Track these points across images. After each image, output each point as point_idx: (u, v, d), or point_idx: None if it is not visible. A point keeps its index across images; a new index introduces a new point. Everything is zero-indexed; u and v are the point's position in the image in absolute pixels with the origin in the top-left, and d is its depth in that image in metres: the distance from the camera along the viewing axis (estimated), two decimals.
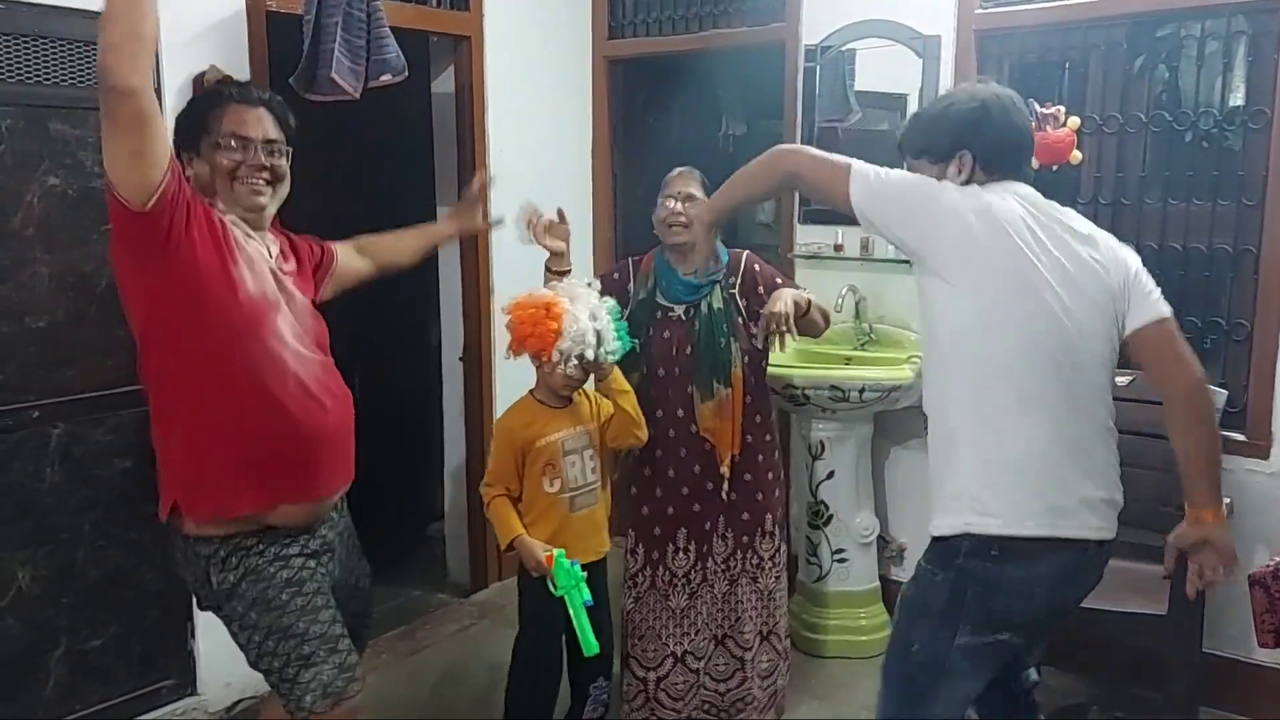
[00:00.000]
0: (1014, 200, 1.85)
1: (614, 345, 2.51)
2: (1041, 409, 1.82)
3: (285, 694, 1.96)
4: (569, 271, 2.69)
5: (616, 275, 2.87)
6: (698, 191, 2.69)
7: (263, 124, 2.00)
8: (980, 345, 1.83)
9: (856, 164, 1.92)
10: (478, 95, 3.64)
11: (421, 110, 3.77)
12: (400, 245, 2.50)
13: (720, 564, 2.79)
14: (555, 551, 2.38)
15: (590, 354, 2.45)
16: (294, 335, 1.97)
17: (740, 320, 2.73)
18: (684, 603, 2.78)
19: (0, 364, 2.54)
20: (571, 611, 2.32)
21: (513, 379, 3.64)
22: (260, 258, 1.97)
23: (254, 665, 2.02)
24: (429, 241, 2.61)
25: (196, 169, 1.97)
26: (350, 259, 2.35)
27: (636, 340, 2.68)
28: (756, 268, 2.77)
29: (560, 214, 2.72)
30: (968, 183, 1.89)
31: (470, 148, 3.65)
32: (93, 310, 2.68)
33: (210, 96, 2.07)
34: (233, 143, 1.96)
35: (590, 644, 2.30)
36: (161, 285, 1.85)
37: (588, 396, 2.67)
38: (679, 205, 2.68)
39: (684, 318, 2.73)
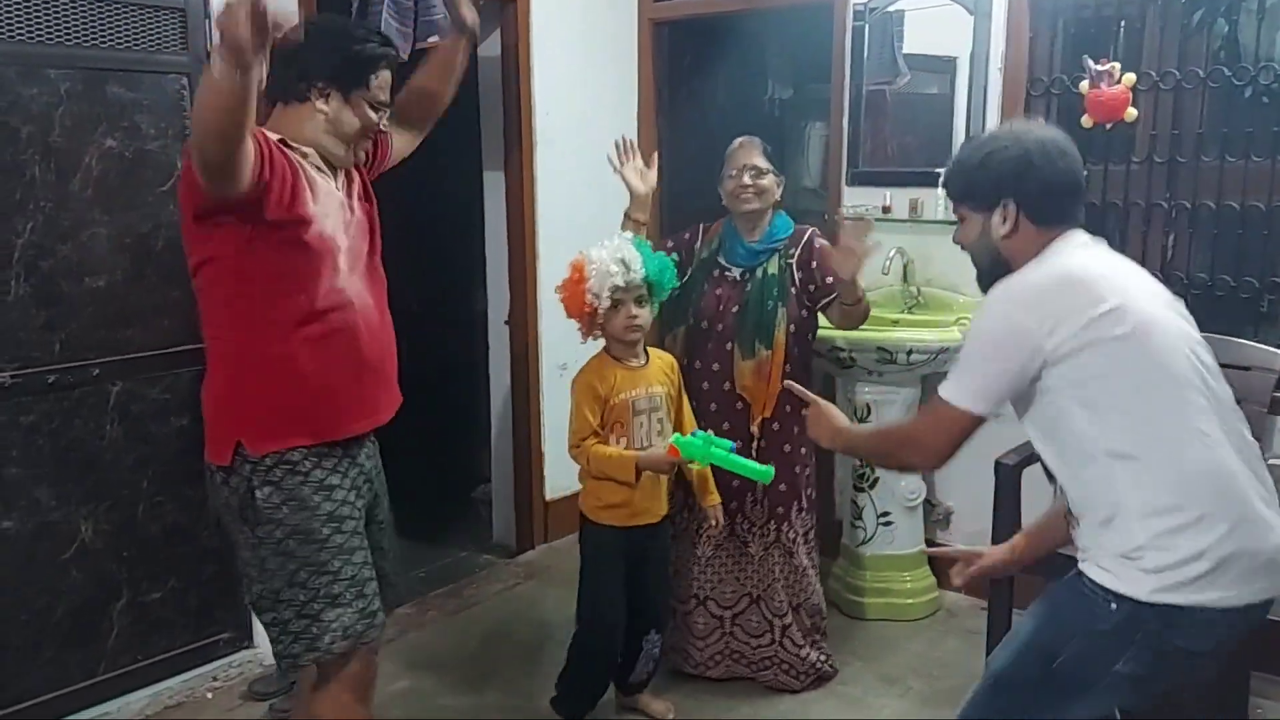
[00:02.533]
0: (1080, 251, 1.74)
1: (641, 266, 2.50)
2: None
3: (297, 634, 1.93)
4: (646, 223, 2.74)
5: (687, 235, 2.94)
6: (762, 161, 2.75)
7: (390, 88, 2.04)
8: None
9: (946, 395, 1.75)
10: (524, 58, 3.64)
11: (468, 73, 3.77)
12: (422, 89, 2.32)
13: (758, 528, 2.84)
14: (672, 439, 2.42)
15: (621, 280, 2.47)
16: (351, 268, 2.00)
17: (793, 289, 2.77)
18: (708, 552, 2.86)
19: (61, 323, 2.60)
20: (730, 467, 2.35)
21: (558, 343, 3.68)
22: (330, 193, 1.98)
23: (265, 595, 1.95)
24: (441, 64, 2.35)
25: (331, 108, 1.96)
26: (401, 142, 2.30)
27: (688, 293, 2.79)
28: (816, 245, 2.81)
29: (649, 159, 2.78)
30: (1014, 230, 1.78)
31: (516, 111, 3.67)
32: (150, 271, 2.74)
33: (378, 53, 2.00)
34: (378, 107, 2.00)
35: (764, 473, 2.33)
36: (231, 234, 1.87)
37: (662, 360, 2.69)
38: (746, 178, 2.74)
39: (739, 279, 2.80)
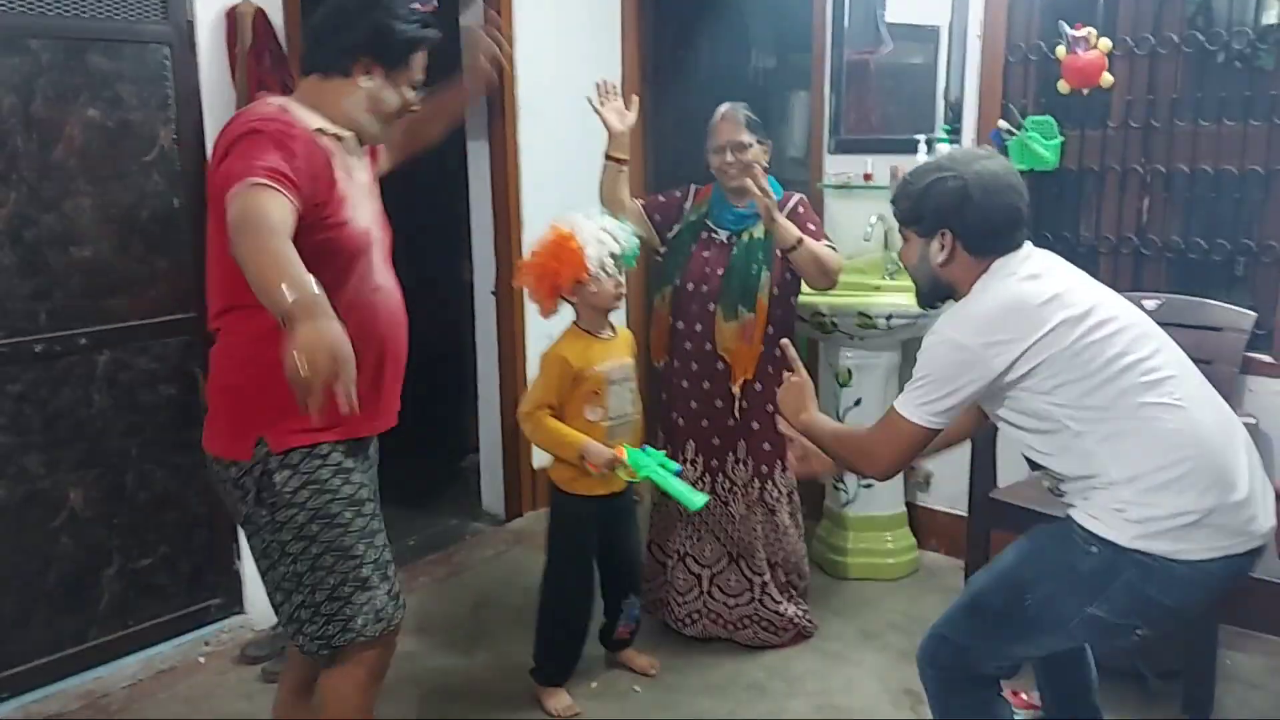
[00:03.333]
0: (1015, 282, 1.82)
1: (626, 234, 2.56)
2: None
3: (328, 616, 1.90)
4: (628, 160, 2.82)
5: (678, 193, 2.99)
6: (744, 136, 2.79)
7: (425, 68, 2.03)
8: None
9: (900, 407, 1.86)
10: (506, 27, 3.64)
11: (450, 42, 3.78)
12: (415, 126, 2.29)
13: (740, 487, 2.89)
14: (622, 447, 2.46)
15: (616, 248, 2.52)
16: (383, 259, 1.99)
17: (777, 253, 2.80)
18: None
19: (48, 292, 2.63)
20: (664, 486, 2.40)
21: None
22: (361, 184, 1.96)
23: (288, 579, 1.91)
24: (442, 111, 2.36)
25: (374, 84, 1.93)
26: (383, 160, 2.27)
27: (675, 254, 2.86)
28: (800, 210, 2.86)
29: (628, 99, 2.86)
30: (949, 259, 1.86)
31: (499, 80, 3.66)
32: (135, 241, 2.76)
33: (420, 34, 1.97)
34: (415, 87, 2.00)
35: (693, 502, 2.36)
36: None
37: (626, 333, 2.74)
38: (729, 155, 2.79)
39: (725, 242, 2.86)
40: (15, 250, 2.55)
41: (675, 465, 2.46)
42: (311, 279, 1.52)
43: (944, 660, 1.96)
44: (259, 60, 2.78)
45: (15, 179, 2.54)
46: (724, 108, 2.86)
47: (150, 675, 2.84)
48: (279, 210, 1.64)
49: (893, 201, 1.99)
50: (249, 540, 1.99)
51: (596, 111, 2.80)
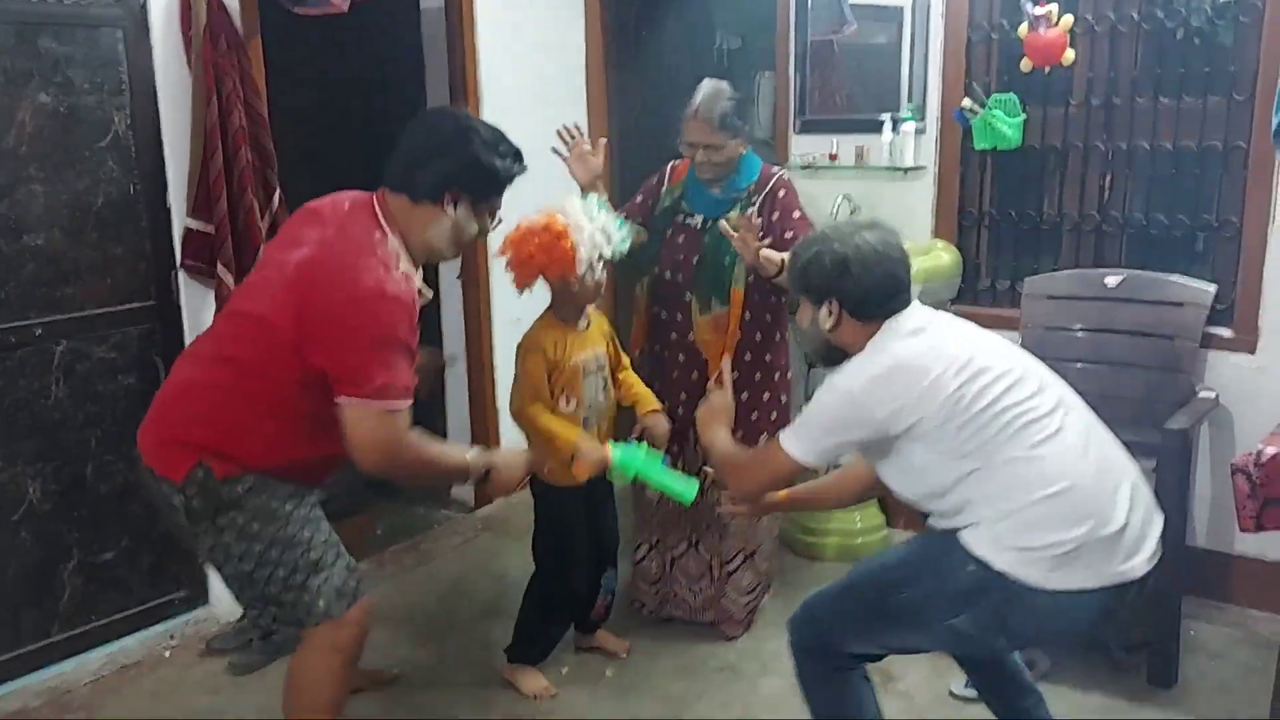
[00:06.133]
0: (900, 339, 1.90)
1: (619, 233, 2.52)
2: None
3: (291, 605, 1.93)
4: (603, 191, 2.74)
5: (655, 180, 2.93)
6: (716, 138, 2.68)
7: None
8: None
9: (784, 440, 1.97)
10: (467, 9, 3.60)
11: (412, 27, 3.74)
12: None
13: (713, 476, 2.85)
14: (609, 445, 2.44)
15: (607, 251, 2.48)
16: None
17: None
18: (657, 495, 2.86)
19: (1, 281, 2.57)
20: (654, 482, 2.39)
21: (511, 299, 3.66)
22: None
23: (236, 578, 1.95)
24: None
25: (460, 215, 1.98)
26: None
27: (652, 241, 2.81)
28: (781, 193, 2.77)
29: (595, 144, 2.77)
30: (837, 325, 1.95)
31: (461, 62, 3.63)
32: (90, 228, 2.70)
33: (514, 170, 2.04)
34: (494, 215, 2.06)
35: (685, 495, 2.35)
36: None
37: (599, 318, 2.69)
38: (701, 156, 2.72)
39: (699, 228, 2.79)
40: None
41: (660, 455, 2.44)
42: (461, 455, 2.06)
43: (810, 633, 2.04)
44: (214, 44, 2.72)
45: None
46: (699, 100, 2.68)
47: (114, 670, 2.79)
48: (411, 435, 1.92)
49: (786, 269, 2.08)
50: (195, 545, 1.99)
51: (566, 161, 2.74)
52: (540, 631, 2.73)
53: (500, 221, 2.13)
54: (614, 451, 2.40)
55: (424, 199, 1.96)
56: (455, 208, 1.97)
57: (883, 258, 1.92)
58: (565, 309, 2.58)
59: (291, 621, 1.96)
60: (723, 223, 2.57)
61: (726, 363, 2.44)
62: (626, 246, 2.56)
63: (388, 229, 1.94)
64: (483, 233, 2.06)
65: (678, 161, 2.89)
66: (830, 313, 1.95)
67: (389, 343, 1.84)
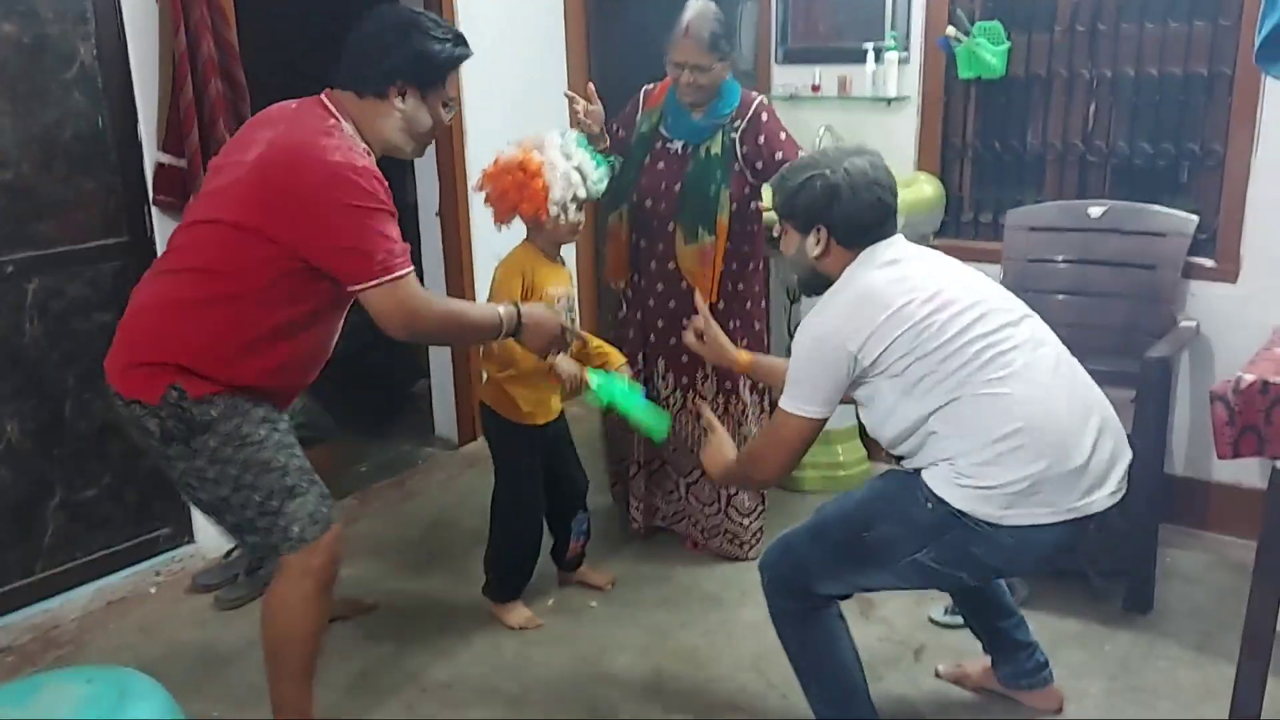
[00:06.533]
0: (872, 269, 1.89)
1: (597, 173, 2.50)
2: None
3: (266, 530, 1.94)
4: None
5: (628, 108, 2.88)
6: (704, 59, 2.65)
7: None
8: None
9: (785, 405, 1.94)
10: None
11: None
12: None
13: (710, 400, 2.87)
14: (587, 370, 2.42)
15: (582, 192, 2.46)
16: None
17: (736, 166, 2.73)
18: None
19: None
20: (628, 414, 2.39)
21: (491, 234, 3.63)
22: None
23: (212, 504, 1.96)
24: None
25: (409, 106, 1.96)
26: None
27: (629, 170, 2.77)
28: (764, 117, 2.74)
29: (590, 94, 2.74)
30: (825, 253, 1.93)
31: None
32: (59, 162, 2.65)
33: (456, 54, 2.01)
34: (449, 104, 2.02)
35: (657, 432, 2.38)
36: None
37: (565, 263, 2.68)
38: (688, 76, 2.67)
39: (680, 153, 2.75)
40: None
41: (638, 389, 2.44)
42: (493, 310, 2.10)
43: (782, 571, 2.06)
44: None
45: None
46: (688, 18, 2.65)
47: (101, 606, 2.81)
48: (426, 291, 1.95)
49: (771, 195, 2.05)
50: (166, 472, 2.00)
51: (584, 125, 2.70)
52: (508, 568, 2.74)
53: (455, 111, 2.09)
54: (593, 377, 2.39)
55: (370, 94, 1.95)
56: (404, 99, 1.96)
57: (872, 183, 1.90)
58: (541, 239, 2.57)
59: (266, 549, 1.96)
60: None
61: (704, 406, 2.45)
62: (604, 186, 2.54)
63: (340, 118, 1.93)
64: (438, 124, 2.02)
65: (651, 86, 2.85)
66: (819, 241, 1.93)
67: (372, 212, 1.83)
